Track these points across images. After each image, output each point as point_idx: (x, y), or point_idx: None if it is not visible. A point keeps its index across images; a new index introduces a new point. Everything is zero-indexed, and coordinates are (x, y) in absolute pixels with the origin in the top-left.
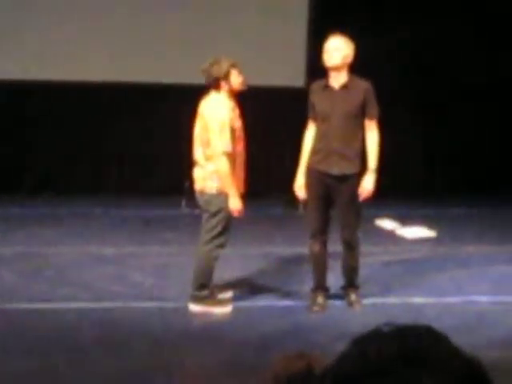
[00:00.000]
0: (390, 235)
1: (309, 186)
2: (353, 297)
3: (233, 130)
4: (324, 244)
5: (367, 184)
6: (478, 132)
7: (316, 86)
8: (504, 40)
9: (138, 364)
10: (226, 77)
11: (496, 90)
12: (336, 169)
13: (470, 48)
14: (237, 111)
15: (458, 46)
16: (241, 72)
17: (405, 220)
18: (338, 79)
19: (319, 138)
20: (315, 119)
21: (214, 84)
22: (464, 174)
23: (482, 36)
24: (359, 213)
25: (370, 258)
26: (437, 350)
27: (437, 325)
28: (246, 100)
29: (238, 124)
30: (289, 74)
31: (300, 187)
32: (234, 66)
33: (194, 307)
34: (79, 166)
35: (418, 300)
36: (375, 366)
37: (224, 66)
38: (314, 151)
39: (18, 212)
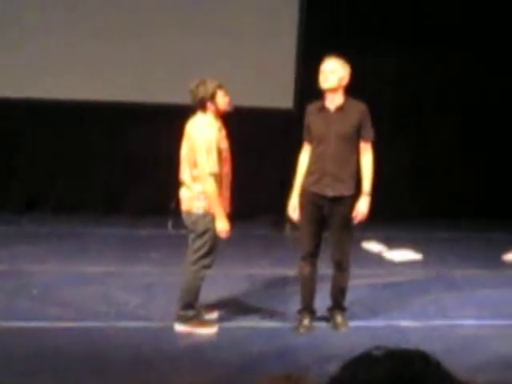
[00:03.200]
0: (377, 258)
1: (303, 207)
2: (339, 319)
3: (219, 151)
4: (314, 266)
5: (362, 207)
6: (466, 156)
7: (312, 107)
8: (492, 65)
9: None
10: (212, 97)
11: (485, 112)
12: (330, 191)
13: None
14: (223, 132)
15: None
16: (227, 93)
17: (391, 243)
18: (333, 101)
19: (314, 159)
20: (310, 141)
21: (200, 105)
22: (451, 198)
23: (471, 60)
24: (351, 235)
25: (356, 281)
26: (427, 373)
27: (422, 348)
28: (233, 121)
29: (225, 145)
30: (277, 95)
31: (294, 208)
32: (219, 86)
33: (180, 327)
34: (64, 185)
35: (403, 323)
36: None
37: (210, 86)
38: (309, 173)
39: (3, 230)
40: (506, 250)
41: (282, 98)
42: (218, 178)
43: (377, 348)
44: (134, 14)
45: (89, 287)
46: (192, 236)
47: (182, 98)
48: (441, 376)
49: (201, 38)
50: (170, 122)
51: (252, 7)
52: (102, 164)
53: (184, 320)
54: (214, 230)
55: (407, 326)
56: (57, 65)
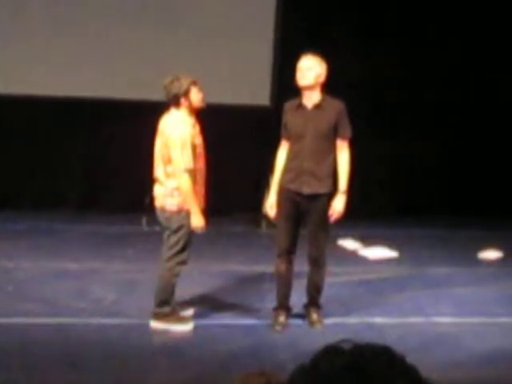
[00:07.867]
0: (352, 255)
1: (280, 204)
2: (314, 316)
3: (193, 147)
4: (290, 263)
5: (338, 205)
6: (442, 154)
7: (289, 105)
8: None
9: (99, 380)
10: (186, 94)
11: (466, 113)
12: (307, 188)
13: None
14: (197, 128)
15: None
16: (201, 89)
17: (367, 240)
18: (310, 99)
19: (291, 157)
20: (288, 138)
21: (173, 101)
22: (426, 195)
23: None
24: (328, 232)
25: (331, 278)
26: (386, 369)
27: (398, 345)
28: (210, 118)
29: (199, 141)
30: (254, 92)
31: (272, 206)
32: (193, 83)
33: (155, 324)
34: (40, 181)
35: (379, 320)
36: (324, 378)
37: (184, 83)
38: (286, 170)
39: None
40: (482, 247)
41: (258, 94)
42: (192, 173)
43: (345, 341)
44: (110, 11)
45: (64, 283)
46: (166, 233)
47: (155, 94)
48: (403, 373)
49: (176, 34)
50: (144, 118)
51: (228, 4)
52: (78, 161)
53: (159, 317)
54: (188, 226)
55: (383, 323)
56: (33, 60)
